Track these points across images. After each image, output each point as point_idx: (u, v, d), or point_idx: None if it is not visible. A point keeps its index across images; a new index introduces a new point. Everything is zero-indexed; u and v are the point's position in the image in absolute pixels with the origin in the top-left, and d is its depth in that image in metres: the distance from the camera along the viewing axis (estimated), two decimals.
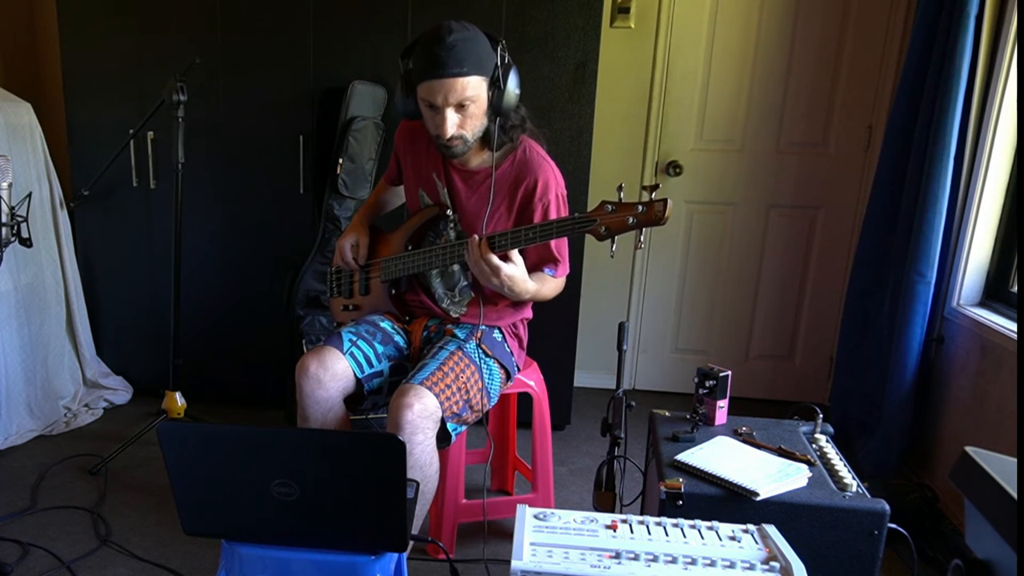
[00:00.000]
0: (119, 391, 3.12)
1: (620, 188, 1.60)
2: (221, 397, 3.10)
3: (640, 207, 1.55)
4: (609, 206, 1.58)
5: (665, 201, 1.53)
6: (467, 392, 1.81)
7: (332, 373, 1.81)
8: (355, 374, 1.85)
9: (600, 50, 2.70)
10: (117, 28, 2.86)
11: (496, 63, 1.73)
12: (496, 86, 1.74)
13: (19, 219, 2.10)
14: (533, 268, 1.84)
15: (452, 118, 1.74)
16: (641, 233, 1.58)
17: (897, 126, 2.60)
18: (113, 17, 2.85)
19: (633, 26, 3.17)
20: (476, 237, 1.70)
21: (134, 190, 2.95)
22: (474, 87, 1.71)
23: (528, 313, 2.08)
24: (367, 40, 2.76)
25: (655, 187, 1.55)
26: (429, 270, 1.95)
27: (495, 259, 1.67)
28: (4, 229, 2.06)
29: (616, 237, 1.59)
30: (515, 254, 1.69)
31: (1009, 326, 2.25)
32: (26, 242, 2.14)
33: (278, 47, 2.80)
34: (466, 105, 1.73)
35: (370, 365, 1.89)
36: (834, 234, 3.29)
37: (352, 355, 1.85)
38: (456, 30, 1.68)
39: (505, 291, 1.74)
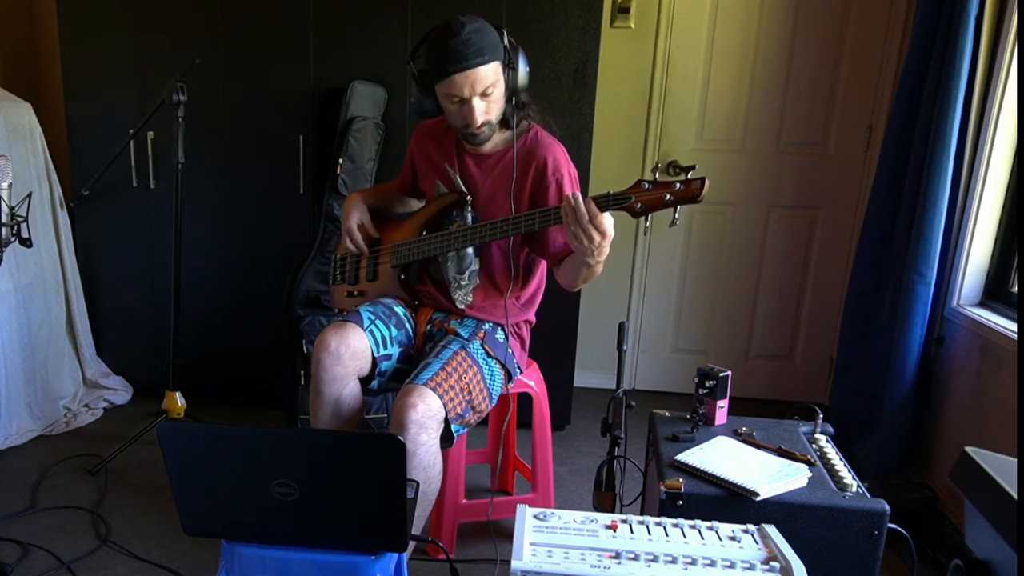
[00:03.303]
0: (119, 391, 3.12)
1: (656, 169, 1.62)
2: (221, 397, 3.10)
3: (678, 184, 1.56)
4: (646, 184, 1.59)
5: (703, 179, 1.55)
6: (470, 393, 1.81)
7: (353, 351, 1.81)
8: (372, 353, 1.86)
9: (600, 50, 2.70)
10: (117, 28, 2.86)
11: (506, 46, 1.78)
12: (510, 67, 1.79)
13: (19, 219, 2.09)
14: (564, 249, 1.84)
15: (480, 106, 1.78)
16: (676, 211, 1.59)
17: (897, 126, 2.60)
18: (113, 17, 2.85)
19: (633, 26, 3.17)
20: (577, 195, 1.62)
21: (134, 190, 2.95)
22: (495, 73, 1.76)
23: (531, 315, 2.09)
24: (367, 40, 2.76)
25: (692, 167, 1.56)
26: (445, 252, 1.95)
27: (607, 219, 1.60)
28: (4, 229, 2.06)
29: (650, 217, 1.60)
30: (608, 217, 1.63)
31: (1009, 326, 2.25)
32: (26, 242, 2.14)
33: (278, 47, 2.80)
34: (490, 92, 1.77)
35: (385, 346, 1.90)
36: (834, 234, 3.29)
37: (371, 332, 1.87)
38: (467, 23, 1.73)
39: (595, 256, 1.64)
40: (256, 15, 2.79)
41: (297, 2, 2.75)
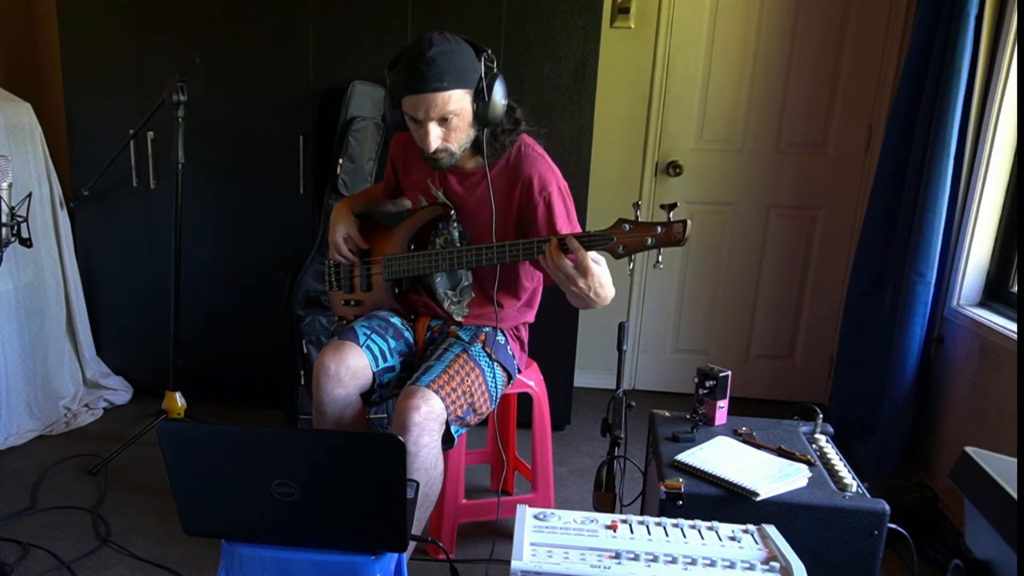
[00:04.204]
0: (119, 391, 3.12)
1: (637, 206, 1.58)
2: (221, 397, 3.10)
3: (659, 228, 1.53)
4: (627, 225, 1.55)
5: (684, 222, 1.51)
6: (471, 396, 1.81)
7: (353, 372, 1.81)
8: (371, 368, 1.85)
9: (600, 50, 2.70)
10: (117, 28, 2.86)
11: (481, 74, 1.70)
12: (481, 97, 1.71)
13: (19, 219, 2.09)
14: None
15: (435, 132, 1.72)
16: (660, 252, 1.56)
17: (897, 126, 2.60)
18: (113, 17, 2.85)
19: (633, 26, 3.17)
20: (553, 240, 1.61)
21: (134, 190, 2.96)
22: (456, 101, 1.68)
23: (530, 317, 2.08)
24: (367, 40, 2.76)
25: (673, 206, 1.52)
26: (433, 272, 1.95)
27: (588, 258, 1.57)
28: (4, 229, 2.06)
29: (633, 258, 1.57)
30: (594, 253, 1.60)
31: (1009, 326, 2.25)
32: (26, 242, 2.14)
33: (278, 47, 2.80)
34: (449, 119, 1.70)
35: (384, 360, 1.89)
36: (834, 234, 3.29)
37: (368, 348, 1.86)
38: (437, 43, 1.65)
39: (591, 295, 1.62)
40: (256, 15, 2.79)
41: (297, 2, 2.75)
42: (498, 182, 1.85)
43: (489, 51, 1.73)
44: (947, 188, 2.39)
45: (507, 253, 1.71)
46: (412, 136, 1.88)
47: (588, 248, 1.58)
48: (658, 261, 1.56)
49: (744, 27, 3.14)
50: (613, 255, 1.58)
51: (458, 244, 1.92)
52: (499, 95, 1.73)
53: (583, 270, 1.58)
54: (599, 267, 1.60)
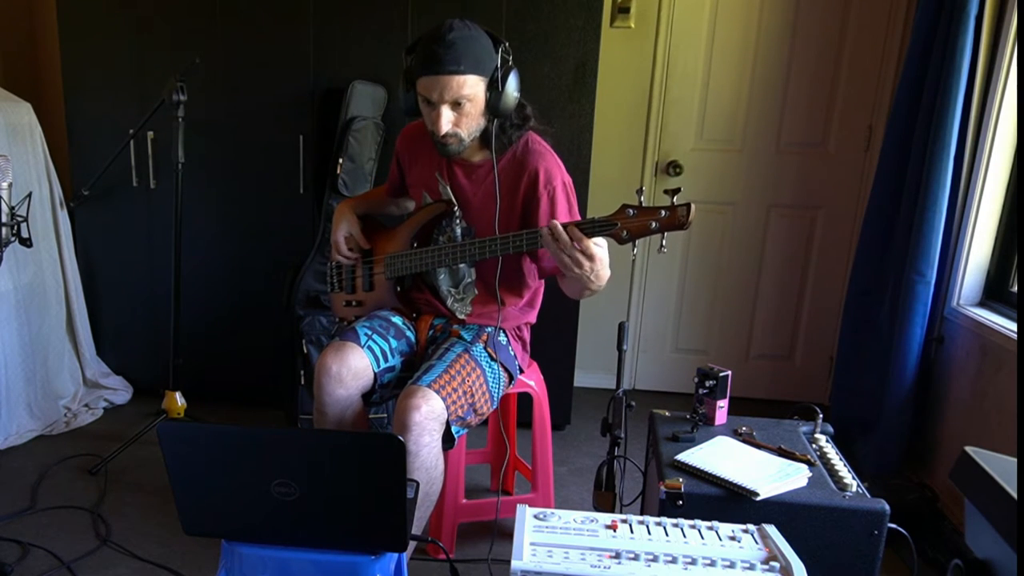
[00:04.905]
0: (119, 391, 3.12)
1: (640, 192, 1.59)
2: (221, 397, 3.10)
3: (663, 211, 1.53)
4: (630, 210, 1.56)
5: (688, 205, 1.51)
6: (472, 396, 1.81)
7: (354, 372, 1.81)
8: (373, 369, 1.85)
9: (600, 50, 2.70)
10: (117, 28, 2.86)
11: (497, 64, 1.73)
12: (494, 87, 1.74)
13: (19, 219, 2.09)
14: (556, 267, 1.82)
15: (447, 115, 1.74)
16: (664, 237, 1.56)
17: (897, 126, 2.60)
18: (113, 17, 2.85)
19: (633, 26, 3.17)
20: (557, 225, 1.60)
21: (134, 190, 2.96)
22: (471, 86, 1.71)
23: (532, 317, 2.09)
24: (367, 40, 2.76)
25: (677, 191, 1.52)
26: (436, 268, 1.95)
27: (596, 243, 1.58)
28: (4, 229, 2.06)
29: (636, 242, 1.57)
30: (598, 238, 1.61)
31: (1009, 326, 2.25)
32: (26, 242, 2.14)
33: (278, 47, 2.80)
34: (462, 103, 1.73)
35: (385, 360, 1.89)
36: (834, 234, 3.29)
37: (370, 348, 1.86)
38: (457, 28, 1.69)
39: (592, 277, 1.63)
40: (256, 15, 2.79)
41: (297, 2, 2.75)
42: (504, 175, 1.86)
43: (507, 43, 1.75)
44: (947, 188, 2.39)
45: (510, 244, 1.72)
46: (420, 131, 1.89)
47: (592, 235, 1.58)
48: (662, 246, 1.57)
49: (744, 27, 3.14)
50: (617, 240, 1.59)
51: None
52: (512, 87, 1.76)
53: (589, 255, 1.59)
54: (601, 250, 1.61)
